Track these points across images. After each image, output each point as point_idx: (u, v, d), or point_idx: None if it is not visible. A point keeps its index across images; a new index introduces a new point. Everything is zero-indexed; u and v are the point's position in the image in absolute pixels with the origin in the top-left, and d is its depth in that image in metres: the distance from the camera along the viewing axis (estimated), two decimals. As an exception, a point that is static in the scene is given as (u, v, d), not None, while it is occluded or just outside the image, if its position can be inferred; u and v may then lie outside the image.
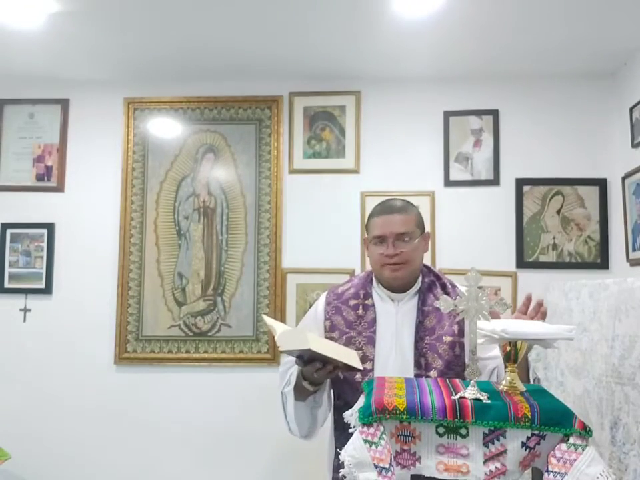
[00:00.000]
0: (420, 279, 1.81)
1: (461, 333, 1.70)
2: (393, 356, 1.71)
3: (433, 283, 1.81)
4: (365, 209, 2.89)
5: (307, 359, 1.57)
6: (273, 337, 2.87)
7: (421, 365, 1.68)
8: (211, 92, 3.04)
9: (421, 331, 1.73)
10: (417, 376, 1.65)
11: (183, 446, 2.89)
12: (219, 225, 2.99)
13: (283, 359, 1.90)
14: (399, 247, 1.71)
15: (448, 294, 1.74)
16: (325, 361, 1.55)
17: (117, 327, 2.94)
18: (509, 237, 2.91)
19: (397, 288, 1.79)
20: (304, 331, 1.67)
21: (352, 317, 1.79)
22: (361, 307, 1.80)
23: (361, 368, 1.60)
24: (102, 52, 2.76)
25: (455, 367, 1.68)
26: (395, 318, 1.76)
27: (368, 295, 1.82)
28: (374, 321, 1.77)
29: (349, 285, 1.88)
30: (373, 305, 1.79)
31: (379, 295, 1.81)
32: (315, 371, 1.56)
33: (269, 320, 1.72)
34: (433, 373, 1.66)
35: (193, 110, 3.05)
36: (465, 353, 1.70)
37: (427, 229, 2.84)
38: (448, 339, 1.71)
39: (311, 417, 1.75)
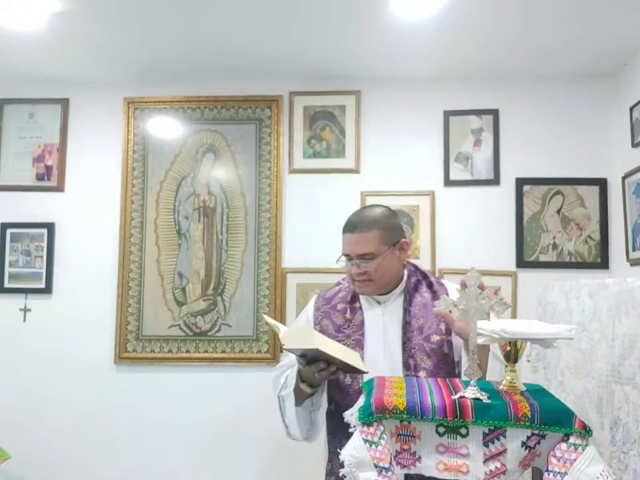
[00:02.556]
0: (405, 279, 1.80)
1: (449, 331, 1.69)
2: (381, 358, 1.71)
3: (419, 282, 1.81)
4: (365, 209, 2.88)
5: (310, 358, 1.56)
6: (274, 337, 2.91)
7: (410, 366, 1.68)
8: (211, 92, 3.04)
9: (408, 332, 1.72)
10: (406, 377, 1.63)
11: (183, 445, 2.89)
12: (219, 224, 2.99)
13: (280, 361, 1.90)
14: (362, 267, 1.70)
15: (435, 292, 1.75)
16: (328, 361, 1.54)
17: (117, 327, 2.94)
18: (508, 237, 2.91)
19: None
20: (311, 330, 1.66)
21: (340, 321, 1.79)
22: (348, 310, 1.80)
23: (366, 370, 1.58)
24: (102, 52, 2.76)
25: (445, 366, 1.68)
26: (381, 319, 1.76)
27: (355, 298, 1.81)
28: (362, 323, 1.76)
29: (337, 289, 1.88)
30: (361, 308, 1.79)
31: (366, 298, 1.80)
32: (318, 371, 1.55)
33: (269, 319, 1.72)
34: (422, 374, 1.65)
35: (193, 110, 3.05)
36: (454, 351, 1.70)
37: (427, 229, 2.90)
38: (436, 337, 1.70)
39: (310, 420, 1.75)
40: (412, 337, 1.71)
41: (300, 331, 1.73)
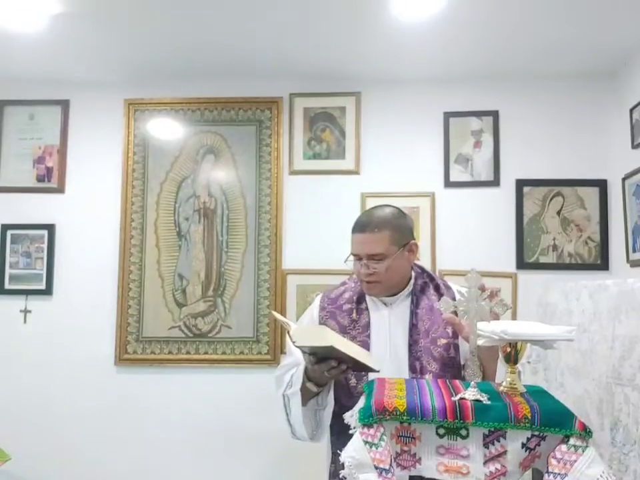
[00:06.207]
0: (412, 281, 1.79)
1: (455, 334, 1.67)
2: (387, 360, 1.69)
3: (426, 284, 1.80)
4: (365, 210, 2.88)
5: (321, 356, 1.53)
6: (274, 338, 2.91)
7: (416, 369, 1.67)
8: (211, 93, 3.04)
9: (415, 334, 1.71)
10: (407, 378, 1.61)
11: (183, 447, 2.89)
12: (219, 226, 2.99)
13: (282, 361, 1.89)
14: (372, 267, 1.69)
15: (442, 295, 1.72)
16: (339, 359, 1.51)
17: (117, 328, 2.94)
18: (509, 238, 2.91)
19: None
20: (324, 328, 1.64)
21: (346, 322, 1.77)
22: (354, 311, 1.78)
23: (378, 369, 1.56)
24: (102, 53, 2.77)
25: (451, 369, 1.67)
26: (388, 321, 1.75)
27: (362, 299, 1.80)
28: (368, 324, 1.75)
29: (343, 289, 1.86)
30: (367, 309, 1.78)
31: (372, 299, 1.79)
32: (328, 370, 1.53)
33: (279, 316, 1.69)
34: (428, 377, 1.64)
35: (193, 111, 3.05)
36: (459, 355, 1.69)
37: (427, 230, 2.90)
38: (442, 341, 1.69)
39: (315, 419, 1.73)
40: (418, 340, 1.70)
41: (312, 328, 1.71)
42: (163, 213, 3.01)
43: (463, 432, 1.24)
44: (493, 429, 1.23)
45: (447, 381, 1.46)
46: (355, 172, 2.99)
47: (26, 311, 3.00)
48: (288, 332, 1.57)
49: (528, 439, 1.22)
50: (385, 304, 1.78)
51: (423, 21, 2.41)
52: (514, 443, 1.22)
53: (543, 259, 2.89)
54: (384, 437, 1.24)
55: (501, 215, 2.93)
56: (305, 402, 1.67)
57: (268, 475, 2.86)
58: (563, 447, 1.20)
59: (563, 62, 2.79)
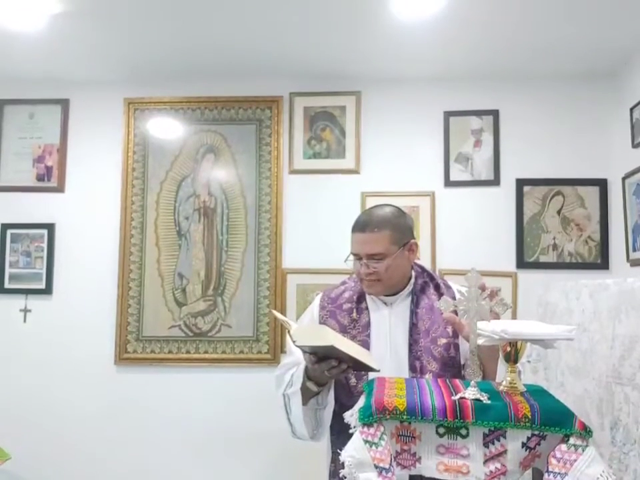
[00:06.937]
0: (412, 280, 1.79)
1: (456, 334, 1.67)
2: (387, 359, 1.69)
3: (427, 283, 1.80)
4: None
5: (321, 356, 1.53)
6: (274, 337, 2.91)
7: (416, 368, 1.67)
8: (211, 92, 3.04)
9: (415, 334, 1.71)
10: (407, 378, 1.61)
11: (183, 446, 2.89)
12: (219, 225, 2.99)
13: (283, 360, 1.89)
14: (371, 266, 1.69)
15: (442, 294, 1.72)
16: (340, 358, 1.51)
17: (117, 327, 2.94)
18: (509, 237, 2.91)
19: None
20: (325, 327, 1.64)
21: (346, 321, 1.77)
22: (355, 310, 1.78)
23: (378, 368, 1.56)
24: (102, 52, 2.77)
25: (451, 369, 1.67)
26: (388, 321, 1.75)
27: (362, 298, 1.80)
28: (368, 324, 1.75)
29: (343, 289, 1.86)
30: (367, 308, 1.78)
31: (372, 298, 1.79)
32: (328, 369, 1.53)
33: (279, 315, 1.68)
34: (428, 376, 1.64)
35: (193, 110, 3.05)
36: (460, 354, 1.69)
37: (427, 229, 2.90)
38: (442, 340, 1.69)
39: (316, 418, 1.72)
40: (418, 339, 1.70)
41: (313, 327, 1.71)
42: (163, 212, 3.01)
43: (463, 431, 1.24)
44: (493, 428, 1.23)
45: (447, 380, 1.46)
46: (355, 171, 2.99)
47: (26, 311, 3.00)
48: (288, 331, 1.57)
49: (528, 438, 1.22)
50: (385, 303, 1.77)
51: (423, 20, 2.40)
52: (514, 442, 1.22)
53: (543, 258, 2.89)
54: (384, 436, 1.24)
55: (501, 214, 2.93)
56: (305, 401, 1.67)
57: (268, 474, 2.86)
58: (563, 447, 1.20)
59: (563, 61, 2.79)
